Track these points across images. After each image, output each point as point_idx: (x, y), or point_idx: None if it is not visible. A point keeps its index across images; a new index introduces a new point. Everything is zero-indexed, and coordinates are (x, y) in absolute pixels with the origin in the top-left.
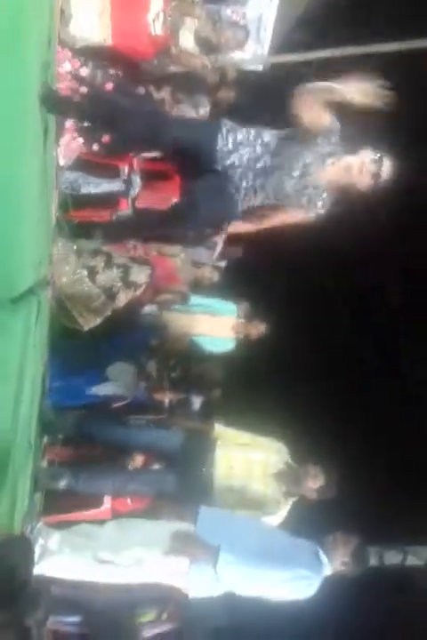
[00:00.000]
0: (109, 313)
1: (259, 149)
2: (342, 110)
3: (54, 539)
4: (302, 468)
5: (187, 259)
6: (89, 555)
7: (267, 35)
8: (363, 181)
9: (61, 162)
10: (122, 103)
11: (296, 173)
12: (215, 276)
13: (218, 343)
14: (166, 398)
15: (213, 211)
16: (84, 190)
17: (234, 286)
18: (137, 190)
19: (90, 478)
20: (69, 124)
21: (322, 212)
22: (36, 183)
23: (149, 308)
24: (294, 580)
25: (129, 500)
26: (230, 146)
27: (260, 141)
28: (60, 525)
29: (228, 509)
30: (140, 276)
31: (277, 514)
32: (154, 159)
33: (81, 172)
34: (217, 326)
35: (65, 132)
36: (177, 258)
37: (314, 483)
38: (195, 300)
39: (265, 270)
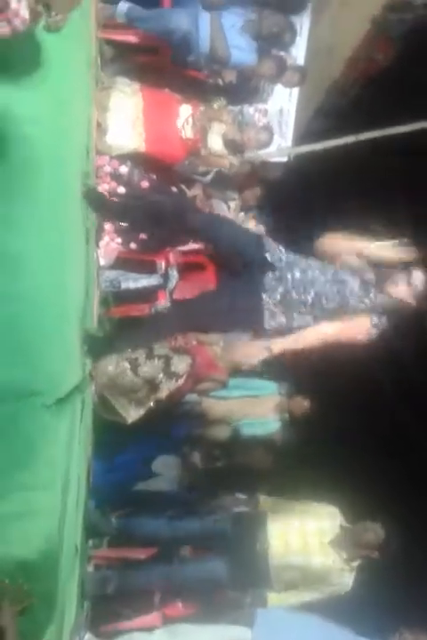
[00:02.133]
0: (152, 405)
1: (302, 289)
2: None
3: None
4: (360, 526)
5: (225, 346)
6: None
7: (289, 127)
8: (408, 296)
9: (102, 262)
10: (161, 200)
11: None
12: (255, 363)
13: (261, 425)
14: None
15: (237, 309)
16: (124, 286)
17: (273, 366)
18: (174, 283)
19: (138, 576)
20: (108, 226)
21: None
22: (79, 283)
23: (189, 398)
24: None
25: (180, 605)
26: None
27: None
28: (108, 635)
29: (287, 591)
30: (181, 365)
31: (343, 584)
32: (189, 252)
33: (120, 270)
34: (259, 408)
35: (104, 234)
36: (216, 346)
37: (375, 537)
38: (234, 382)
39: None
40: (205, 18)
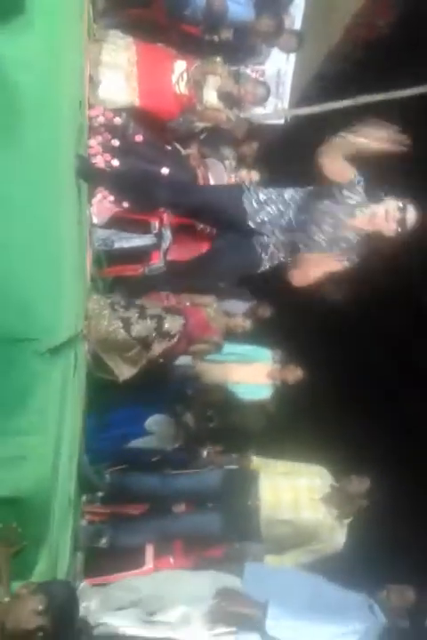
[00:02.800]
0: (145, 363)
1: (281, 207)
2: (362, 159)
3: (96, 599)
4: (345, 479)
5: (219, 308)
6: (133, 613)
7: (286, 89)
8: (389, 228)
9: (94, 220)
10: (149, 172)
11: (327, 227)
12: (248, 325)
13: (254, 390)
14: (205, 449)
15: (234, 266)
16: (117, 246)
17: (267, 333)
18: (168, 243)
19: (131, 530)
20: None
21: (354, 259)
22: (72, 239)
23: (183, 359)
24: (348, 636)
25: (171, 559)
26: (255, 205)
27: (281, 199)
28: (102, 586)
29: (278, 546)
30: (173, 325)
31: (335, 541)
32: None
33: (113, 229)
34: (252, 374)
35: (97, 191)
36: (209, 308)
37: (360, 485)
38: (228, 348)
39: (297, 315)
40: None
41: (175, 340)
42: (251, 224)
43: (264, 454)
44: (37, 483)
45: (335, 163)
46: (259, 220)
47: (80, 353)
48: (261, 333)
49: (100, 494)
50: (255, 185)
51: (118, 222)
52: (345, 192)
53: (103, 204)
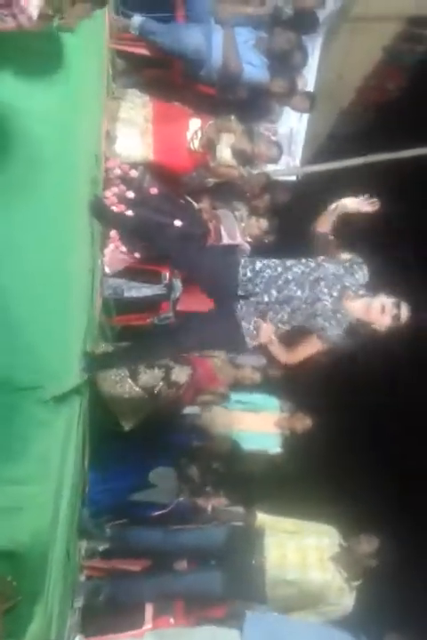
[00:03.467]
0: (150, 412)
1: (280, 269)
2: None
3: None
4: (354, 539)
5: (227, 359)
6: None
7: (298, 148)
8: (383, 322)
9: (106, 270)
10: (160, 222)
11: (335, 293)
12: (257, 377)
13: (262, 440)
14: (209, 504)
15: (216, 339)
16: (127, 295)
17: (277, 383)
18: (178, 294)
19: (131, 587)
20: (114, 233)
21: (338, 339)
22: (81, 288)
23: (190, 410)
24: None
25: (171, 619)
26: (249, 274)
27: (282, 264)
28: None
29: (283, 608)
30: (181, 376)
31: (343, 604)
32: None
33: (124, 279)
34: (260, 423)
35: (109, 241)
36: (217, 358)
37: (370, 546)
38: (236, 396)
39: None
40: (218, 33)
41: (182, 390)
42: (240, 292)
43: (271, 509)
44: (35, 534)
45: (329, 223)
46: (250, 288)
47: (85, 401)
48: (270, 383)
49: (99, 548)
50: (254, 255)
51: (129, 272)
52: (355, 266)
53: (115, 254)
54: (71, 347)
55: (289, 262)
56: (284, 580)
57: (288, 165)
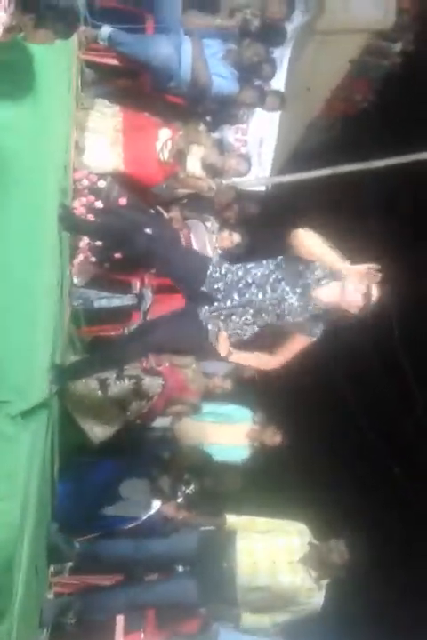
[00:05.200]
0: (121, 426)
1: (241, 273)
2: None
3: None
4: (324, 546)
5: (198, 369)
6: None
7: (268, 158)
8: (356, 303)
9: (75, 280)
10: (128, 226)
11: (299, 289)
12: (228, 386)
13: (232, 452)
14: (180, 516)
15: (179, 336)
16: (97, 305)
17: (249, 392)
18: (148, 304)
19: (101, 600)
20: (83, 244)
21: (320, 332)
22: (51, 298)
23: (160, 421)
24: None
25: (142, 635)
26: (216, 274)
27: (243, 269)
28: None
29: (255, 610)
30: (152, 387)
31: (313, 603)
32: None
33: (94, 289)
34: (231, 435)
35: (79, 252)
36: (188, 369)
37: (340, 558)
38: (208, 408)
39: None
40: (187, 45)
41: (153, 401)
42: (204, 289)
43: (242, 511)
44: (1, 553)
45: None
46: (215, 287)
47: (53, 415)
48: (242, 392)
49: (69, 564)
50: (223, 258)
51: (99, 282)
52: (317, 270)
53: (84, 264)
54: (39, 360)
55: (249, 265)
56: (255, 586)
57: (257, 176)
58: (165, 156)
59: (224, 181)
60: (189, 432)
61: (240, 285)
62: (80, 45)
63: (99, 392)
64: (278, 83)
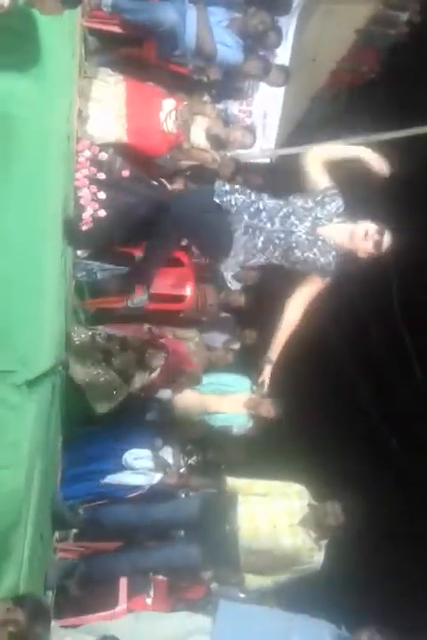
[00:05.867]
0: (124, 396)
1: (254, 197)
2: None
3: None
4: (321, 508)
5: (200, 342)
6: None
7: (272, 130)
8: (366, 248)
9: (78, 252)
10: (131, 203)
11: (308, 224)
12: (230, 358)
13: (233, 419)
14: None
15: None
16: (100, 277)
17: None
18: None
19: (106, 563)
20: (86, 215)
21: (332, 269)
22: (54, 271)
23: (163, 392)
24: None
25: (148, 600)
26: (226, 187)
27: (254, 193)
28: (71, 628)
29: (257, 572)
30: (155, 359)
31: (314, 562)
32: None
33: (97, 261)
34: (231, 403)
35: (82, 224)
36: (191, 341)
37: (336, 520)
38: (208, 378)
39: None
40: (192, 13)
41: (156, 373)
42: (216, 200)
43: (243, 474)
44: (6, 520)
45: (316, 167)
46: (225, 200)
47: (58, 384)
48: (242, 362)
49: (73, 531)
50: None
51: (102, 254)
52: (327, 199)
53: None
54: (44, 330)
55: (263, 194)
56: (257, 549)
57: (262, 148)
58: (169, 126)
59: (229, 153)
60: (189, 403)
61: (251, 209)
62: (84, 13)
63: (103, 363)
64: (284, 53)
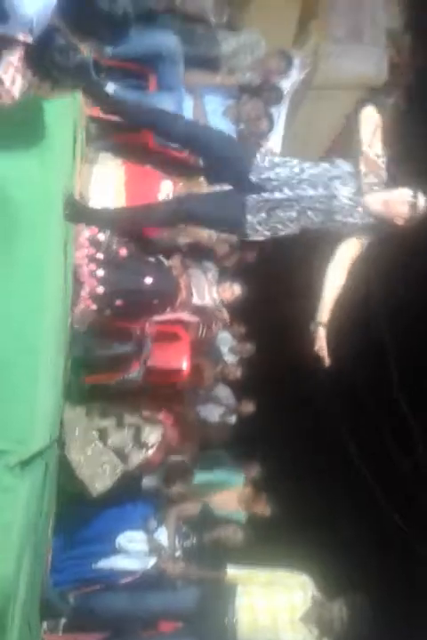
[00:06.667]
0: (120, 476)
1: (297, 170)
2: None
3: None
4: (326, 609)
5: (197, 417)
6: None
7: None
8: (402, 212)
9: (75, 327)
10: (163, 115)
11: (352, 190)
12: (225, 433)
13: (229, 518)
14: (178, 570)
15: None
16: (97, 353)
17: (244, 443)
18: (148, 351)
19: None
20: (84, 293)
21: (372, 233)
22: (50, 348)
23: (159, 472)
24: None
25: None
26: (267, 163)
27: (298, 165)
28: None
29: None
30: (151, 435)
31: None
32: (165, 321)
33: (94, 337)
34: (226, 501)
35: (80, 300)
36: (187, 415)
37: (342, 627)
38: (199, 477)
39: (275, 428)
40: (188, 102)
41: (153, 450)
42: (252, 178)
43: (242, 562)
44: None
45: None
46: (264, 177)
47: (52, 465)
48: (236, 453)
49: (62, 621)
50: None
51: (99, 329)
52: (369, 172)
53: (85, 312)
54: (39, 409)
55: (306, 163)
56: None
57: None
58: None
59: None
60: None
61: (293, 181)
62: (86, 101)
63: (98, 442)
64: (276, 138)
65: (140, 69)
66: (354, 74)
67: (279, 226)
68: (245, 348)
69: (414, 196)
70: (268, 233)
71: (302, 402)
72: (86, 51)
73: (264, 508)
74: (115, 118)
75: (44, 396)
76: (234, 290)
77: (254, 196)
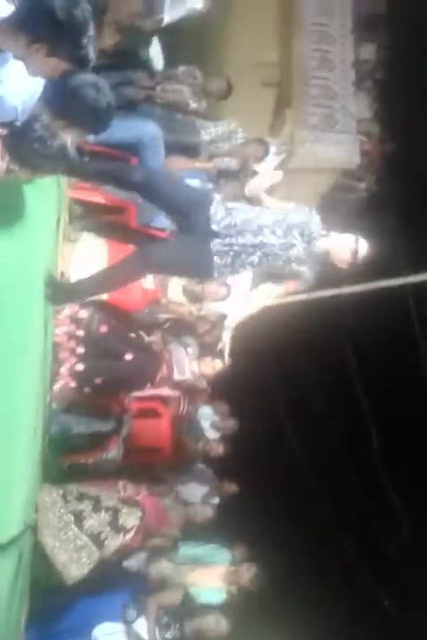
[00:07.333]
0: (97, 563)
1: (252, 213)
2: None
3: None
4: None
5: (177, 497)
6: None
7: (246, 283)
8: (344, 258)
9: (54, 405)
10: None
11: (305, 238)
12: (209, 513)
13: (212, 595)
14: None
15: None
16: (76, 431)
17: (228, 525)
18: (127, 430)
19: None
20: (64, 370)
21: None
22: (29, 427)
23: (138, 556)
24: None
25: None
26: (223, 212)
27: (252, 209)
28: None
29: None
30: (130, 519)
31: None
32: (144, 398)
33: (73, 415)
34: (209, 577)
35: (59, 377)
36: (167, 498)
37: None
38: (183, 550)
39: (261, 509)
40: None
41: (131, 534)
42: (214, 227)
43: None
44: None
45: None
46: (225, 224)
47: (25, 555)
48: (220, 528)
49: None
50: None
51: (78, 407)
52: (313, 210)
53: (64, 390)
54: (14, 493)
55: (260, 210)
56: None
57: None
58: (149, 283)
59: (204, 306)
60: (165, 572)
61: (253, 226)
62: (69, 184)
63: (74, 527)
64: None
65: (122, 155)
66: (328, 158)
67: (241, 269)
68: (228, 425)
69: (356, 242)
70: (227, 274)
71: (288, 480)
72: (68, 136)
73: (251, 581)
74: (97, 199)
75: (20, 480)
76: (215, 365)
77: (219, 240)
